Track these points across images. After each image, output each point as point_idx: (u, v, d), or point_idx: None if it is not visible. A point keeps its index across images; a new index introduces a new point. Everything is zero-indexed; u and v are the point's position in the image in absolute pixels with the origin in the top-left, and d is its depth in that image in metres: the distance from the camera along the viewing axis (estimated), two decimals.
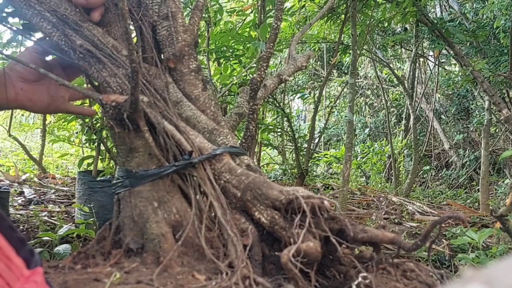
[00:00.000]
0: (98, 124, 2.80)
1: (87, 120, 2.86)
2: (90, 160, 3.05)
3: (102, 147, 2.88)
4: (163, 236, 1.06)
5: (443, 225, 0.98)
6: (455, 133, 7.35)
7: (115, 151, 1.82)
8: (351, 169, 4.99)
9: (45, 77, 1.09)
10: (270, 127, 4.59)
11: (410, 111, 5.82)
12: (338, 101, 8.60)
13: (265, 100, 1.75)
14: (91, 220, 2.32)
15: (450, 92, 7.65)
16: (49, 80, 1.09)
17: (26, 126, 6.86)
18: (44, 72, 1.00)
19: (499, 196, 4.71)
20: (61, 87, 1.07)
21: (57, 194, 3.60)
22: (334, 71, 9.08)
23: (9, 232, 0.68)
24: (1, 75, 1.01)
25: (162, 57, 1.37)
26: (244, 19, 4.10)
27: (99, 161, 2.93)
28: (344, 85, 7.02)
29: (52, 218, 2.75)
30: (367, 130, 8.81)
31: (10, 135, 4.15)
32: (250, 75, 3.41)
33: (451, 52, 4.32)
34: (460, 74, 5.45)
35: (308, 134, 4.69)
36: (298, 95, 6.75)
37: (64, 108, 1.13)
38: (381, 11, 4.51)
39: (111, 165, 2.96)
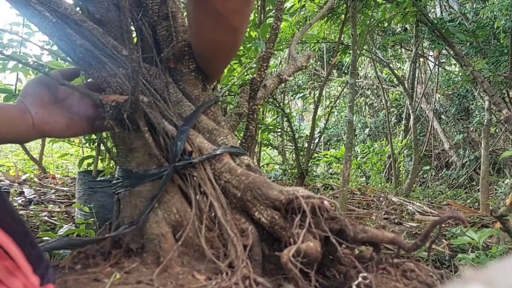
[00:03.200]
0: None
1: None
2: (90, 160, 3.05)
3: (102, 147, 2.88)
4: (163, 236, 1.06)
5: (443, 225, 0.98)
6: (455, 133, 7.35)
7: (115, 151, 1.82)
8: (351, 169, 4.98)
9: (62, 99, 1.07)
10: (270, 127, 4.58)
11: (410, 111, 5.82)
12: (338, 101, 8.60)
13: (265, 100, 1.75)
14: (91, 220, 2.32)
15: (450, 92, 7.64)
16: (71, 101, 1.07)
17: None
18: (62, 82, 1.00)
19: (499, 196, 4.71)
20: (85, 106, 1.05)
21: (57, 194, 3.60)
22: (334, 71, 9.07)
23: (29, 250, 0.68)
24: (17, 105, 0.99)
25: (162, 57, 1.37)
26: None
27: (99, 161, 2.93)
28: (344, 85, 7.02)
29: (52, 218, 2.75)
30: (367, 130, 8.80)
31: None
32: (250, 75, 3.41)
33: (451, 52, 4.32)
34: (460, 74, 5.44)
35: (309, 134, 4.69)
36: (298, 95, 6.75)
37: (88, 128, 1.07)
38: (381, 11, 4.51)
39: (111, 165, 2.96)
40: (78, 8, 1.36)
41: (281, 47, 4.59)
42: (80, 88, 1.12)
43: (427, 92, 7.55)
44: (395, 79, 7.67)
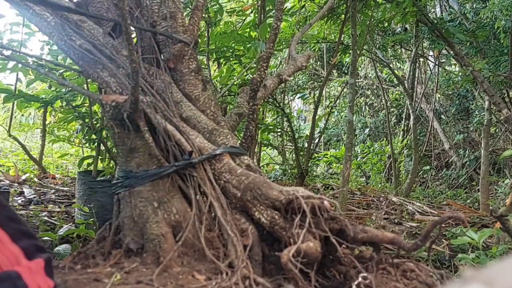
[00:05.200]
0: (98, 124, 2.80)
1: (87, 120, 2.86)
2: (90, 160, 3.05)
3: (102, 147, 2.88)
4: (163, 236, 1.06)
5: (443, 225, 0.98)
6: (455, 133, 7.35)
7: (115, 151, 1.82)
8: (351, 169, 4.98)
9: None
10: (270, 127, 4.58)
11: (410, 111, 5.82)
12: (338, 101, 8.60)
13: (265, 100, 1.75)
14: (91, 220, 2.32)
15: (450, 92, 7.64)
16: None
17: (26, 126, 6.85)
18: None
19: (499, 196, 4.71)
20: None
21: (57, 194, 3.60)
22: (334, 71, 9.07)
23: (6, 222, 0.70)
24: None
25: (162, 57, 1.37)
26: (244, 19, 4.10)
27: (99, 161, 2.93)
28: (344, 85, 7.02)
29: (52, 218, 2.75)
30: (367, 130, 8.80)
31: (10, 135, 4.15)
32: (250, 75, 3.41)
33: (451, 52, 4.32)
34: (460, 74, 5.45)
35: (309, 134, 4.69)
36: (298, 95, 6.75)
37: None
38: (381, 11, 4.51)
39: (111, 165, 2.96)
40: None
41: (281, 47, 4.59)
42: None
43: (427, 92, 7.55)
44: (395, 79, 7.67)
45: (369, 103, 9.70)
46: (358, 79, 8.81)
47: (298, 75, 8.32)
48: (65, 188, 3.85)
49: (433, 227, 0.79)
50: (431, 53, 7.42)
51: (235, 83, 3.16)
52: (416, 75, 6.52)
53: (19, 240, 0.71)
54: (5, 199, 2.38)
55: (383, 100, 7.50)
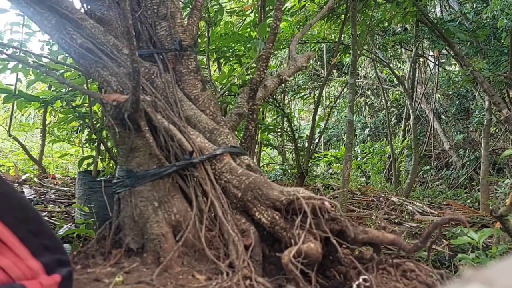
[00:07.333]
0: (98, 124, 2.80)
1: (87, 120, 2.86)
2: (90, 160, 3.05)
3: (102, 147, 2.88)
4: (164, 236, 1.06)
5: (443, 225, 0.99)
6: (455, 133, 7.35)
7: (115, 151, 1.82)
8: (351, 169, 4.98)
9: None
10: (270, 127, 4.58)
11: (410, 111, 5.82)
12: (338, 101, 8.59)
13: (265, 100, 1.75)
14: (91, 220, 2.32)
15: (450, 92, 7.64)
16: None
17: (26, 126, 6.85)
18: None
19: (499, 196, 4.71)
20: None
21: (57, 194, 3.60)
22: (334, 71, 9.07)
23: (26, 235, 0.69)
24: None
25: (162, 56, 1.37)
26: (244, 19, 4.10)
27: (99, 161, 2.93)
28: (344, 85, 7.02)
29: (52, 218, 2.75)
30: (367, 130, 8.80)
31: (10, 135, 4.15)
32: (250, 75, 3.41)
33: (451, 52, 4.32)
34: (460, 74, 5.45)
35: (308, 134, 4.69)
36: (299, 95, 6.74)
37: None
38: (381, 11, 4.51)
39: (111, 165, 2.96)
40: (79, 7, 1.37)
41: (281, 47, 4.59)
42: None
43: (427, 92, 7.55)
44: (395, 79, 7.67)
45: (369, 103, 9.70)
46: (358, 79, 8.81)
47: (298, 75, 8.32)
48: (65, 188, 3.85)
49: (434, 228, 0.79)
50: (431, 53, 7.42)
51: (235, 83, 3.16)
52: (416, 75, 6.53)
53: (40, 255, 0.71)
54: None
55: (383, 100, 7.51)
